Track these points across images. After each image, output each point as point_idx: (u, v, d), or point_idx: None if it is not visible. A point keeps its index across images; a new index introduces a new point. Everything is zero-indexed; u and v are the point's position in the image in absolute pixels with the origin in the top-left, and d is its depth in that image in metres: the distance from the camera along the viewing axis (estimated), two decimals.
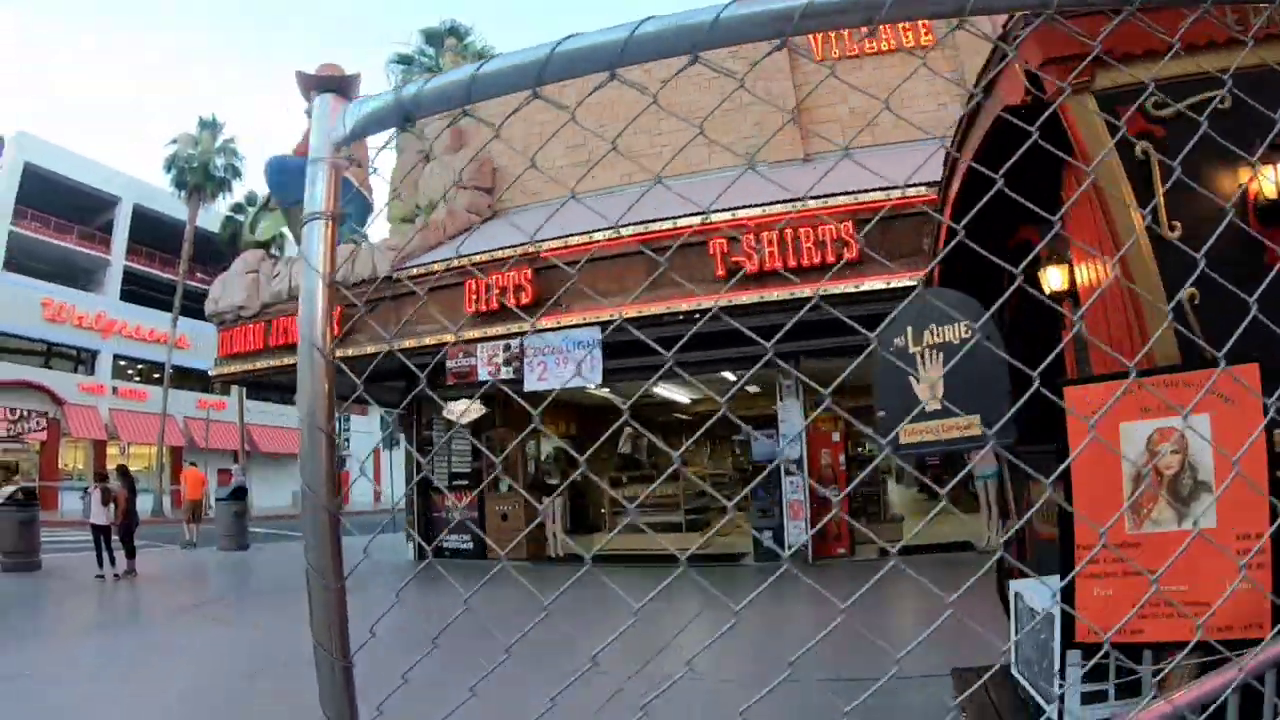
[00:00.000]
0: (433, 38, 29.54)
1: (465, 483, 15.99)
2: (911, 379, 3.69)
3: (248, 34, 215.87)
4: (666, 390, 17.10)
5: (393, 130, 1.46)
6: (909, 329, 3.86)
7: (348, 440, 27.75)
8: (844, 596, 1.46)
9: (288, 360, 13.07)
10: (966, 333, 3.53)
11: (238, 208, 38.80)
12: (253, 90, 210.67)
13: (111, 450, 37.65)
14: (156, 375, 39.96)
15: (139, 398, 39.75)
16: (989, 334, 3.61)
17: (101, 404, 38.29)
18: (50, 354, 38.36)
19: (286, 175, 11.42)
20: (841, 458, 13.69)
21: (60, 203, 38.22)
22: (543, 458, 16.55)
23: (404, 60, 29.61)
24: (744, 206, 10.44)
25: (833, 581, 11.02)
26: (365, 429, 40.11)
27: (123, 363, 40.47)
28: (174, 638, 9.14)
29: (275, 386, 18.73)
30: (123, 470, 14.95)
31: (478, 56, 29.12)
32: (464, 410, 15.18)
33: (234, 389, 39.60)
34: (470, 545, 15.35)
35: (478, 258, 11.39)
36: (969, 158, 3.52)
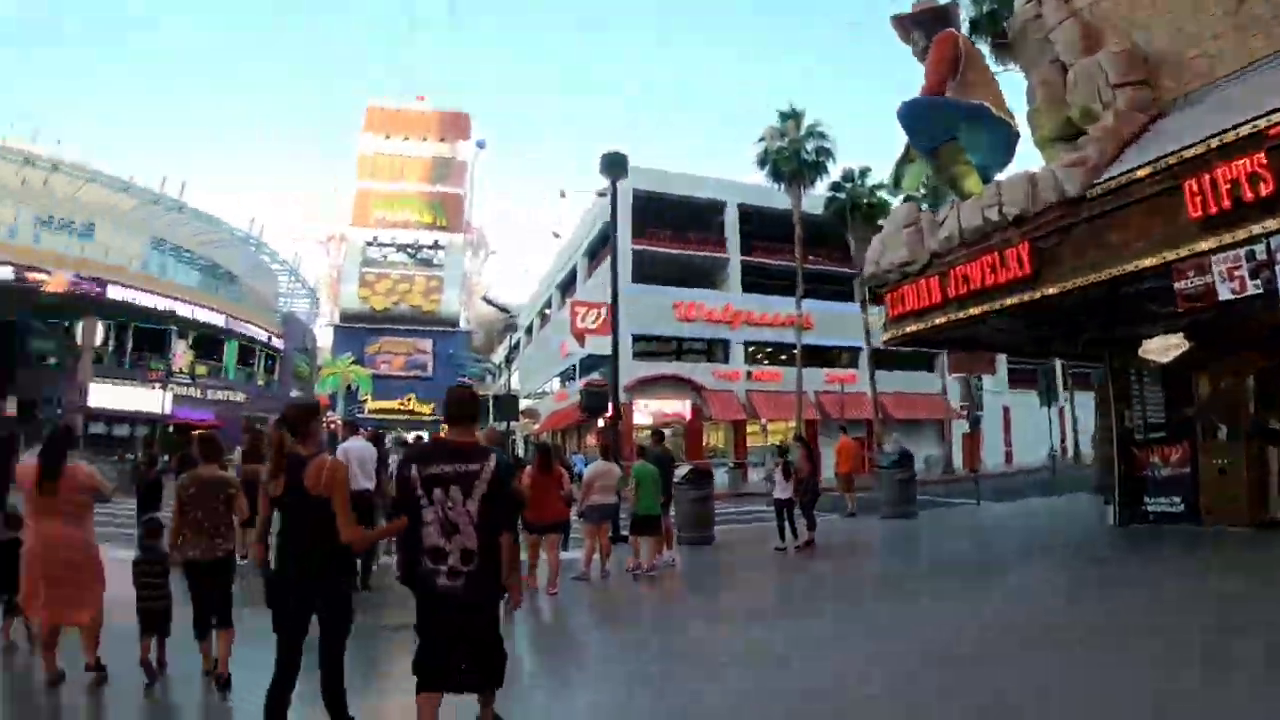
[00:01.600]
0: None
1: (1161, 434, 13.58)
2: None
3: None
4: None
5: None
6: None
7: (981, 398, 26.22)
8: None
9: (972, 311, 11.84)
10: None
11: (836, 186, 39.59)
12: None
13: (751, 428, 40.73)
14: (783, 356, 42.48)
15: (772, 379, 42.21)
16: None
17: (737, 388, 41.37)
18: (681, 349, 42.76)
19: (919, 117, 10.10)
20: None
21: (671, 217, 42.53)
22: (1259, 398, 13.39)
23: None
24: None
25: None
26: (992, 387, 38.27)
27: (751, 348, 43.46)
28: (893, 616, 8.36)
29: (953, 342, 17.37)
30: (803, 440, 14.88)
31: None
32: (1165, 347, 12.79)
33: (862, 362, 40.37)
34: (1180, 508, 13.01)
35: (1189, 151, 9.15)
36: None
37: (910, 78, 13.44)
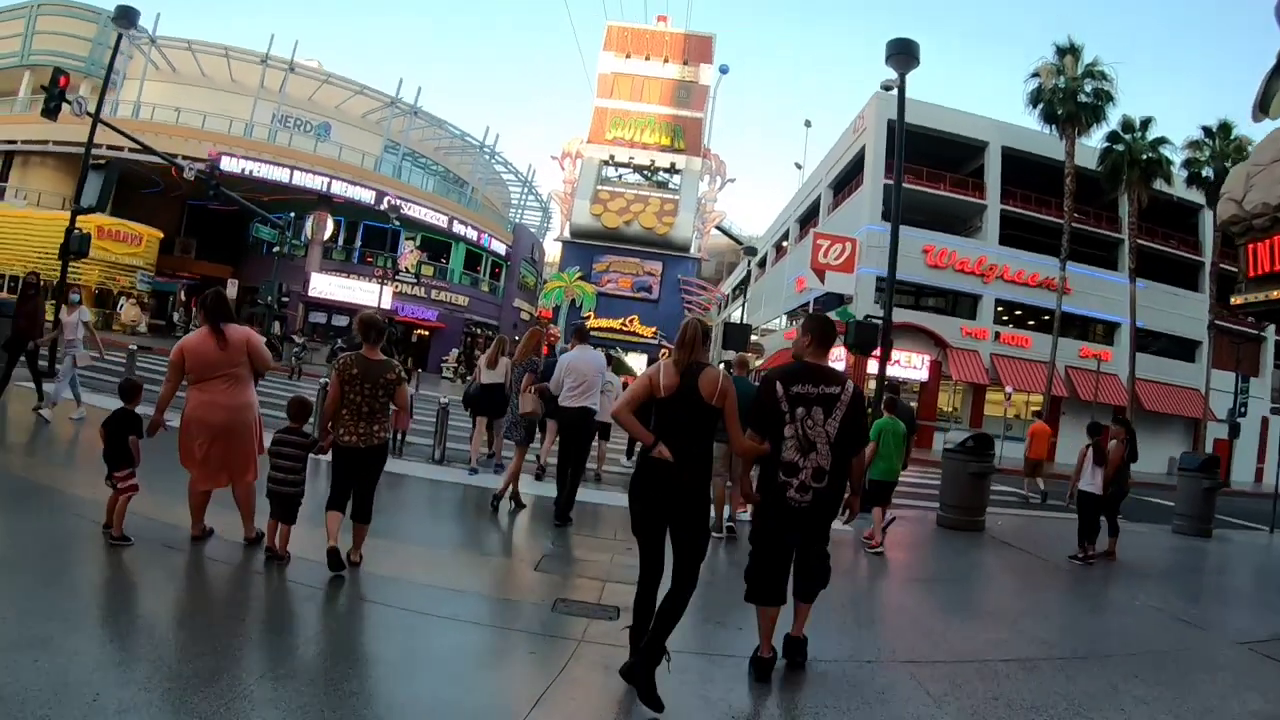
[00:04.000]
0: None
1: None
2: None
3: None
4: None
5: None
6: None
7: (1244, 406, 21.91)
8: None
9: None
10: None
11: (1113, 136, 35.37)
12: None
13: (992, 395, 37.27)
14: (1031, 321, 38.79)
15: (1020, 344, 38.17)
16: None
17: (983, 348, 37.59)
18: (919, 299, 39.10)
19: None
20: None
21: (928, 153, 38.20)
22: None
23: None
24: None
25: None
26: (1252, 392, 32.88)
27: (1000, 308, 39.10)
28: None
29: None
30: (1124, 422, 11.41)
31: None
32: None
33: (1120, 339, 35.98)
34: None
35: None
36: None
37: None
